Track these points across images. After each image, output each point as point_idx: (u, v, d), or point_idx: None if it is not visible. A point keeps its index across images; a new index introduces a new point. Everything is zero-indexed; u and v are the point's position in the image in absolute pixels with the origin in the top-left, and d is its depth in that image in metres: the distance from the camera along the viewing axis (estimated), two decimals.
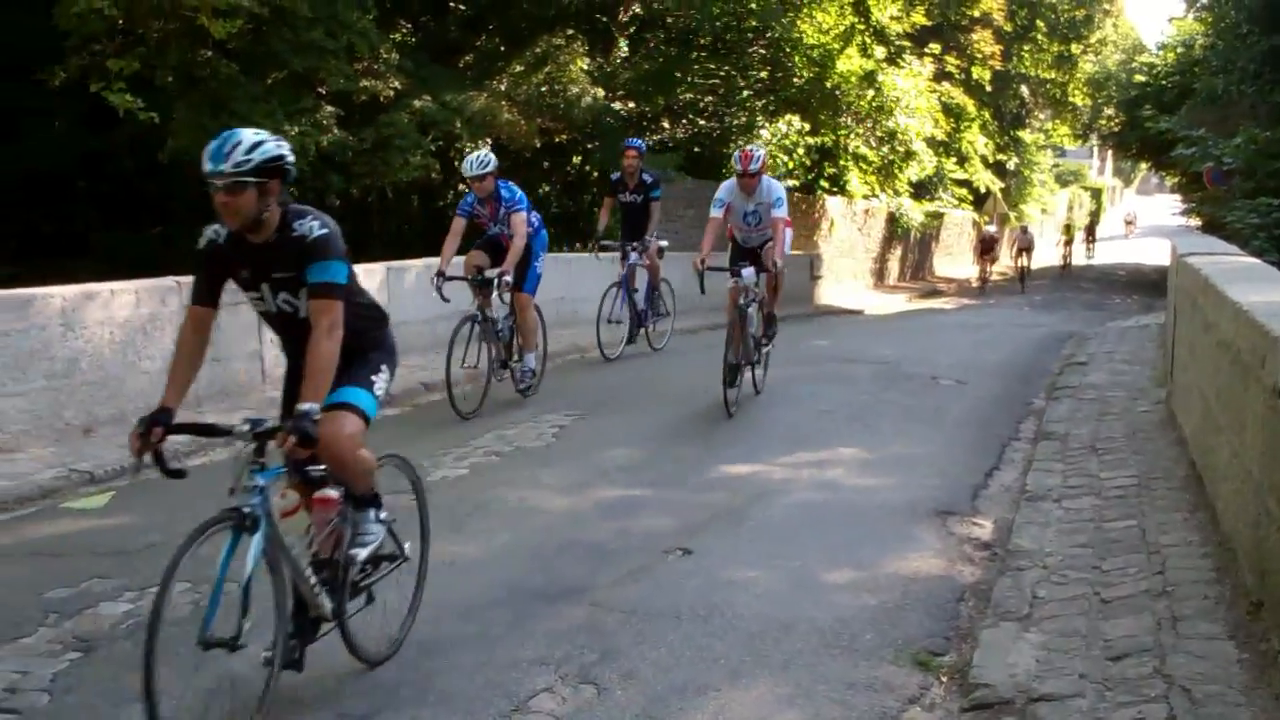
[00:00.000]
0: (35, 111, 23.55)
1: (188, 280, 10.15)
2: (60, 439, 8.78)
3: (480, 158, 10.63)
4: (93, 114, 20.75)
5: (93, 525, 7.10)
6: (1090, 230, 47.16)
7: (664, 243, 14.89)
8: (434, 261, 11.01)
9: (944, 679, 4.98)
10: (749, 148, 11.27)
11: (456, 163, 23.65)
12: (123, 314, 9.56)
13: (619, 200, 14.59)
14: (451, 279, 10.58)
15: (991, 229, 35.36)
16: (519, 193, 10.78)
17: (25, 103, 23.72)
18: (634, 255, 14.18)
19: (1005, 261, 40.01)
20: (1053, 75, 43.59)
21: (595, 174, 25.79)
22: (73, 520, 7.20)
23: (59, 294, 9.14)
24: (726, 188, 11.05)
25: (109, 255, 21.51)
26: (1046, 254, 43.08)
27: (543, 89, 22.61)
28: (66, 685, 4.73)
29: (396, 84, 20.67)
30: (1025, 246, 34.80)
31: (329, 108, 19.64)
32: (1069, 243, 42.16)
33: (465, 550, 6.59)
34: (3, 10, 23.71)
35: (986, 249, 33.48)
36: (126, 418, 9.37)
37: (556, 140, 24.16)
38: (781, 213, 10.83)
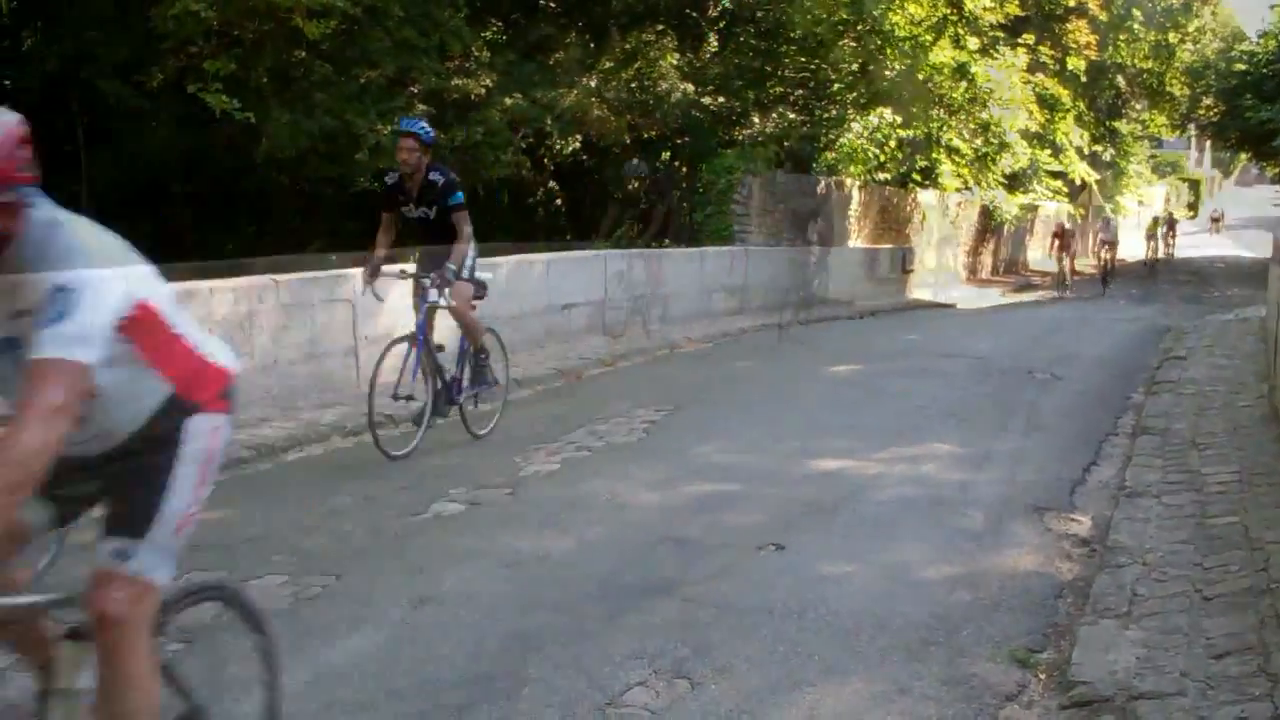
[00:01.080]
0: (134, 113, 24.07)
1: (284, 278, 10.41)
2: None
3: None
4: (189, 115, 21.14)
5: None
6: (1172, 225, 45.66)
7: (486, 275, 9.54)
8: (530, 257, 11.06)
9: (1042, 676, 4.91)
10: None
11: (546, 160, 23.80)
12: (222, 311, 9.72)
13: (400, 214, 9.22)
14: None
15: (1065, 221, 32.96)
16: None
17: (124, 104, 24.27)
18: (432, 293, 8.86)
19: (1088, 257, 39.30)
20: (1150, 65, 42.74)
21: (684, 169, 25.77)
22: None
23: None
24: None
25: (205, 254, 21.92)
26: (1132, 248, 42.19)
27: (632, 85, 22.63)
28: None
29: (487, 82, 20.78)
30: (1109, 240, 31.65)
31: (421, 106, 19.79)
32: (1151, 237, 41.02)
33: (558, 544, 6.62)
34: (102, 14, 24.27)
35: (1064, 244, 29.21)
36: None
37: (645, 136, 24.18)
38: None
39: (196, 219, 24.89)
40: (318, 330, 10.73)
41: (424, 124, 9.16)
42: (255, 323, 10.04)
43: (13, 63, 29.31)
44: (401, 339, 8.85)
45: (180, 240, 24.00)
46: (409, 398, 8.78)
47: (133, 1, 21.61)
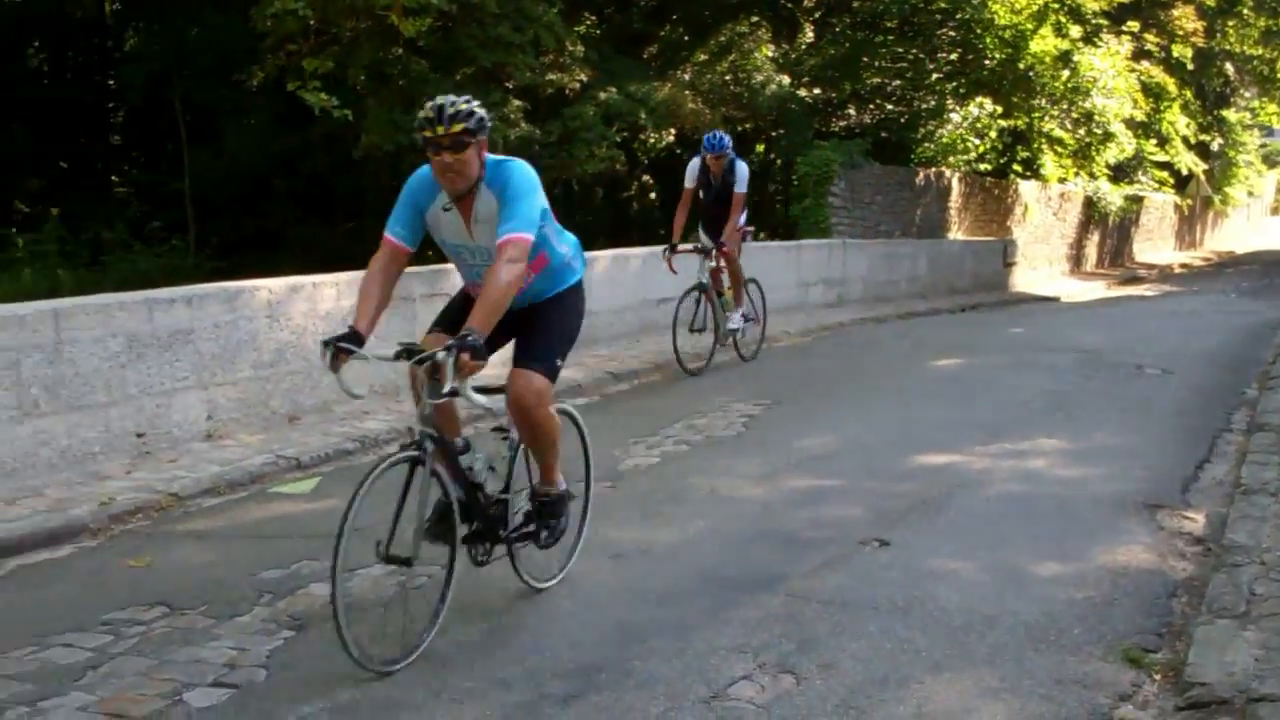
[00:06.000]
0: (234, 111, 24.49)
1: None
2: (267, 426, 9.07)
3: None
4: (288, 113, 21.45)
5: (301, 509, 7.31)
6: None
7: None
8: (626, 252, 11.18)
9: (1157, 676, 4.79)
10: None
11: (640, 154, 23.79)
12: (324, 306, 9.82)
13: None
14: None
15: None
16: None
17: (225, 103, 24.71)
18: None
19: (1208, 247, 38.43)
20: (1260, 51, 41.56)
21: (779, 161, 25.63)
22: (281, 504, 7.42)
23: (265, 286, 9.44)
24: None
25: (304, 249, 22.24)
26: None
27: (726, 77, 22.57)
28: (282, 662, 4.86)
29: (582, 76, 20.84)
30: None
31: (516, 101, 19.91)
32: None
33: (659, 538, 6.60)
34: (203, 14, 24.72)
35: None
36: (329, 407, 9.68)
37: (740, 129, 24.08)
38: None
39: (295, 215, 25.25)
40: (418, 324, 10.78)
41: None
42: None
43: (117, 63, 30.03)
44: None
45: (280, 236, 24.40)
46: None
47: (232, 1, 21.97)
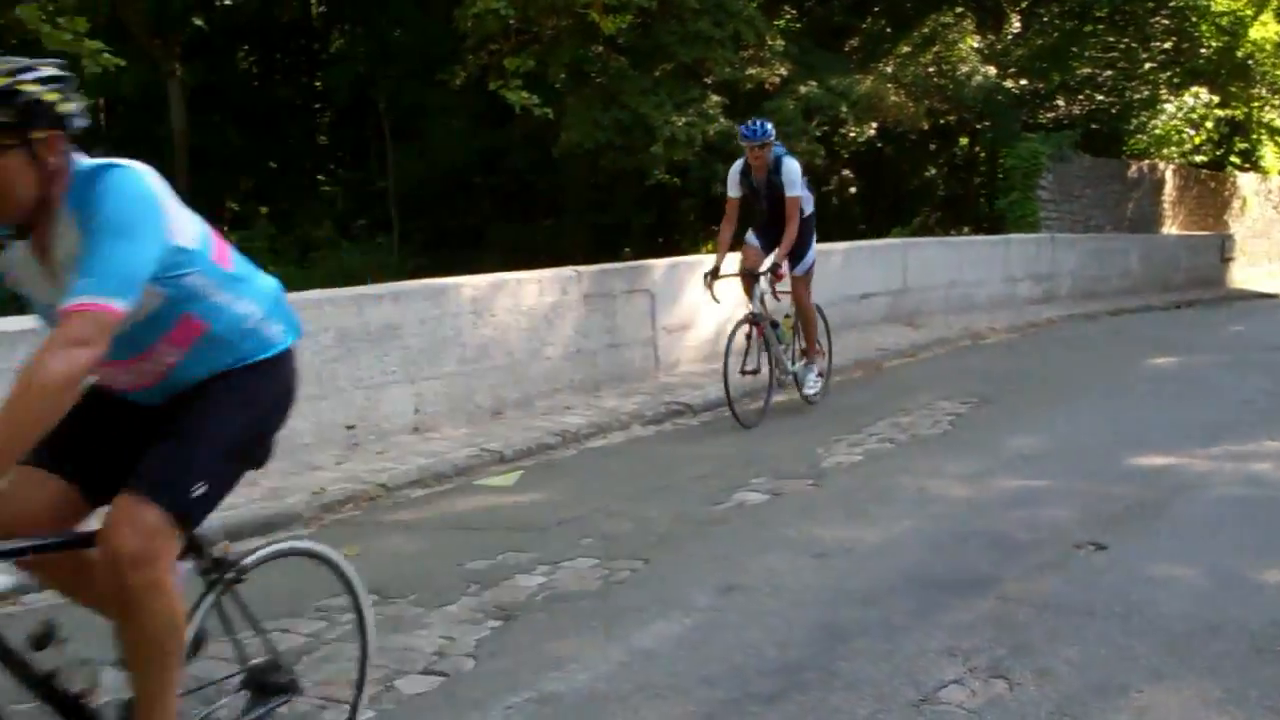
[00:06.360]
0: (436, 111, 25.10)
1: (588, 270, 10.61)
2: (471, 420, 9.23)
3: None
4: (488, 112, 21.88)
5: (505, 502, 7.40)
6: None
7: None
8: (827, 247, 10.97)
9: None
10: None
11: (839, 148, 23.56)
12: (528, 302, 9.95)
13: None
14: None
15: None
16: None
17: (427, 103, 25.34)
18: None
19: None
20: None
21: (983, 155, 25.12)
22: (486, 496, 7.52)
23: (469, 283, 9.61)
24: None
25: (504, 246, 22.66)
26: None
27: (930, 69, 22.19)
28: (490, 651, 4.90)
29: (782, 70, 20.75)
30: None
31: (714, 97, 19.92)
32: None
33: (864, 537, 6.48)
34: (406, 16, 25.40)
35: None
36: (530, 401, 9.80)
37: (943, 121, 23.66)
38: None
39: (495, 212, 25.74)
40: (617, 320, 10.86)
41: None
42: (559, 312, 10.24)
43: (323, 64, 31.12)
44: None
45: (480, 233, 24.92)
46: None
47: (434, 3, 22.49)
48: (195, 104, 26.93)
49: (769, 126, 9.62)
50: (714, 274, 9.51)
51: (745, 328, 9.44)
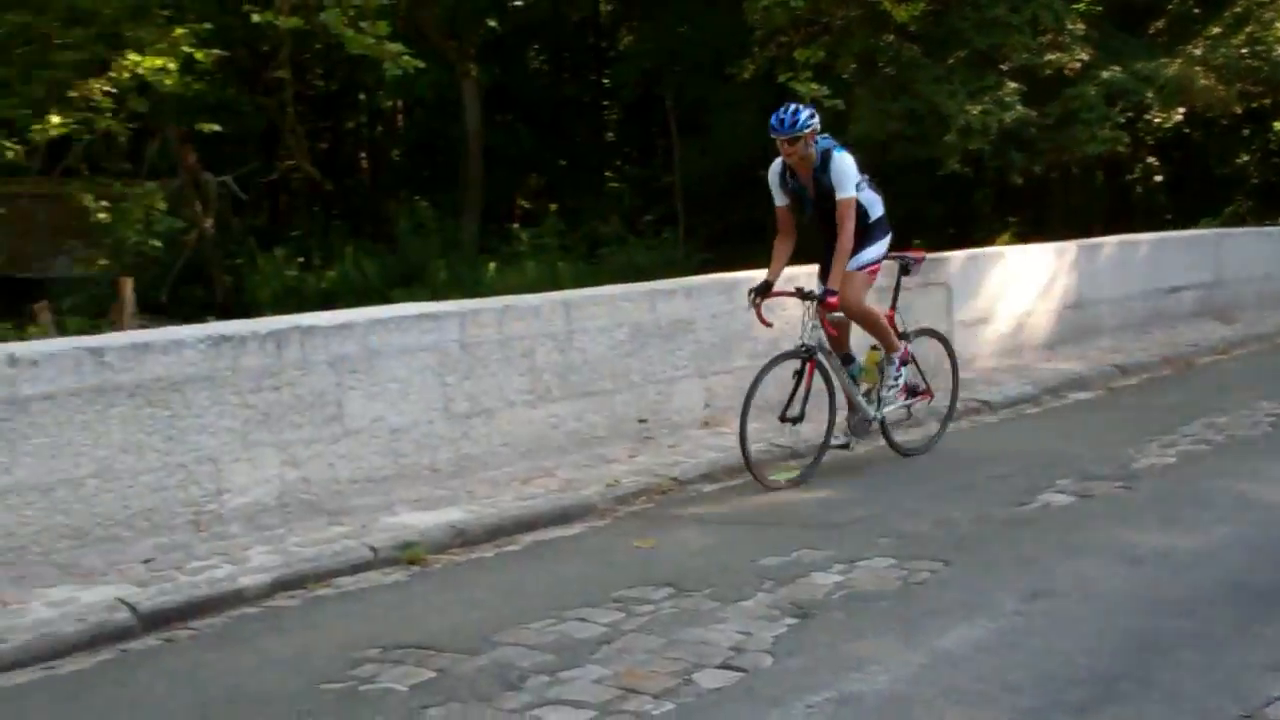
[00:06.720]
0: (723, 105, 25.18)
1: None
2: (758, 415, 9.11)
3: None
4: (775, 105, 21.79)
5: (797, 498, 7.32)
6: None
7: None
8: (1132, 238, 10.40)
9: None
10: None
11: (1144, 134, 22.50)
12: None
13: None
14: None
15: None
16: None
17: (714, 98, 25.44)
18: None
19: None
20: None
21: None
22: (777, 492, 7.44)
23: (760, 277, 9.51)
24: None
25: (809, 246, 22.57)
26: None
27: (1243, 50, 20.92)
28: (787, 649, 4.82)
29: (1082, 55, 19.96)
30: None
31: (1010, 84, 19.32)
32: None
33: (1180, 543, 6.12)
34: (693, 11, 25.57)
35: None
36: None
37: (1256, 105, 22.31)
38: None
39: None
40: (913, 314, 10.56)
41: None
42: None
43: (610, 62, 31.68)
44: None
45: (765, 227, 24.89)
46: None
47: None
48: (487, 104, 27.78)
49: (804, 114, 7.69)
50: (762, 291, 7.76)
51: (793, 362, 7.70)
